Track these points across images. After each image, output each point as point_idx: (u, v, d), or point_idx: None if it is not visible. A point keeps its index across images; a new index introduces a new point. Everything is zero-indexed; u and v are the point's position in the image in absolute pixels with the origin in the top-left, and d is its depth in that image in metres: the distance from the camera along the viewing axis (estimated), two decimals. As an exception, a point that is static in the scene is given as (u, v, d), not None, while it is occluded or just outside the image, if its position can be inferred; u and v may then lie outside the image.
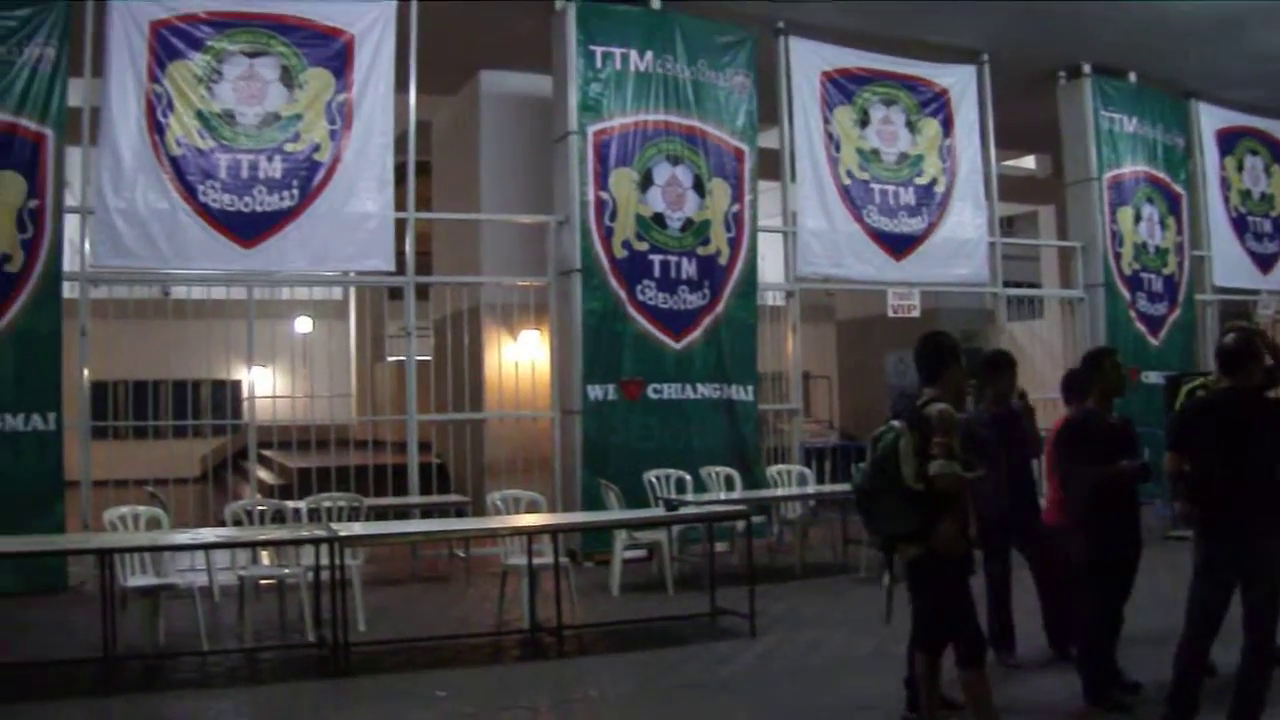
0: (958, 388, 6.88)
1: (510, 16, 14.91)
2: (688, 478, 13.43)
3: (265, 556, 11.26)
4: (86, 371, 13.03)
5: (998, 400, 8.92)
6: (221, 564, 11.45)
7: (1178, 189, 19.35)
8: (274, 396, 16.20)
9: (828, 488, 14.75)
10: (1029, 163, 26.28)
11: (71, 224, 13.17)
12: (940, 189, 16.88)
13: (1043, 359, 19.24)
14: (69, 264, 13.00)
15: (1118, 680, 7.67)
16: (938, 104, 17.04)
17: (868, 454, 6.83)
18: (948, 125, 17.09)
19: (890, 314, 16.56)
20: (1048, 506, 8.92)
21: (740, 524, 11.72)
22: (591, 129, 14.29)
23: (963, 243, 17.05)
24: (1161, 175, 19.13)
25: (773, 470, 14.45)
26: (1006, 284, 18.33)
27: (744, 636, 9.91)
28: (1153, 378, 17.52)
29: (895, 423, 6.65)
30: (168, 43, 13.06)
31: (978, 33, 17.04)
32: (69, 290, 12.95)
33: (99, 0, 12.90)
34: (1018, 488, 8.76)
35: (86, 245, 13.03)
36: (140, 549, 9.78)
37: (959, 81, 17.28)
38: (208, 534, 10.86)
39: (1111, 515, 7.68)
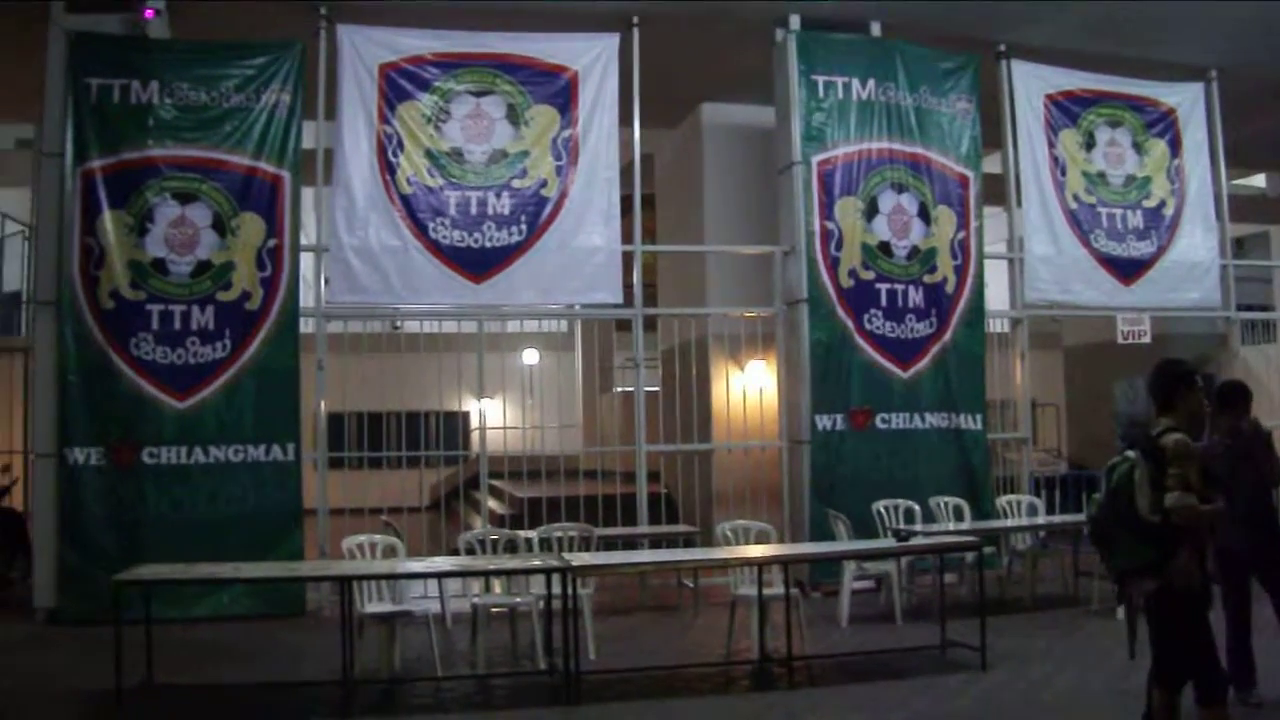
0: (1194, 416, 6.68)
1: (731, 49, 14.99)
2: (916, 508, 13.27)
3: (497, 585, 11.39)
4: (323, 404, 13.47)
5: (1231, 431, 8.63)
6: (454, 591, 11.68)
7: None
8: (503, 427, 16.42)
9: (1057, 518, 14.37)
10: (1259, 181, 25.46)
11: (306, 262, 13.56)
12: (1169, 211, 16.40)
13: (1277, 385, 18.58)
14: (304, 300, 13.38)
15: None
16: (1165, 124, 16.55)
17: (1102, 484, 6.68)
18: (1175, 145, 16.58)
19: (1120, 340, 16.14)
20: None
21: (969, 555, 11.52)
22: (815, 159, 14.27)
23: (1193, 266, 16.52)
24: (1403, 190, 18.37)
25: (1002, 500, 14.16)
26: (1239, 307, 17.73)
27: (974, 670, 9.71)
28: (1394, 402, 16.84)
29: (1130, 453, 6.49)
30: (397, 85, 13.48)
31: (1205, 49, 16.51)
32: (304, 325, 13.35)
33: (330, 46, 13.36)
34: (1257, 519, 8.45)
35: (322, 282, 13.44)
36: (380, 577, 10.00)
37: (1186, 100, 16.76)
38: (443, 562, 11.03)
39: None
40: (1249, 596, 8.54)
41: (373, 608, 9.86)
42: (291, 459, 12.91)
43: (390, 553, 10.57)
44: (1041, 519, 13.96)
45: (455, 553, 11.24)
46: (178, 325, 12.70)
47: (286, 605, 12.53)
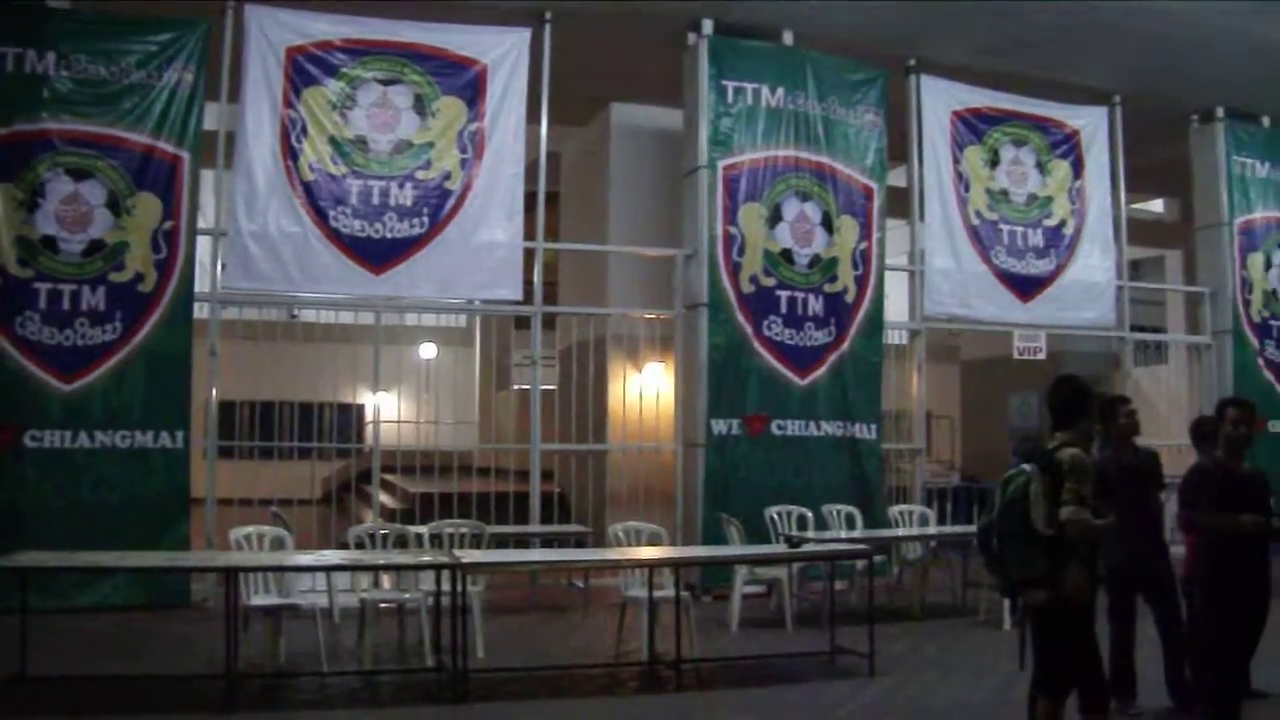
0: (1089, 433, 6.79)
1: (642, 50, 14.97)
2: (809, 515, 13.31)
3: (386, 580, 11.29)
4: (215, 391, 13.20)
5: (1120, 445, 8.77)
6: (342, 586, 11.54)
7: (1310, 236, 18.94)
8: (398, 421, 16.25)
9: (949, 528, 14.53)
10: (1157, 206, 25.89)
11: (203, 246, 13.30)
12: (1069, 231, 16.65)
13: (1167, 405, 18.88)
14: (200, 285, 13.13)
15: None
16: (1068, 145, 16.81)
17: (996, 497, 6.74)
18: (1078, 167, 16.85)
19: (1016, 356, 16.40)
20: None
21: (861, 563, 11.58)
22: (721, 163, 14.28)
23: (1090, 286, 16.80)
24: (1294, 221, 18.72)
25: (894, 510, 14.25)
26: (1132, 328, 18.02)
27: (862, 676, 9.77)
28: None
29: (1026, 466, 6.56)
30: (303, 69, 13.24)
31: (1110, 75, 16.86)
32: (199, 311, 13.08)
33: (236, 26, 13.11)
34: (1146, 535, 8.57)
35: (218, 267, 13.21)
36: (266, 569, 9.88)
37: (1090, 123, 17.04)
38: (331, 556, 10.89)
39: (1234, 568, 7.56)
40: (1134, 611, 8.68)
41: (258, 600, 9.72)
42: (180, 446, 12.61)
43: (278, 545, 10.41)
44: (933, 529, 14.04)
45: (344, 546, 11.10)
46: (67, 305, 12.35)
47: (171, 596, 12.28)
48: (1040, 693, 6.69)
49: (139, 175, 12.65)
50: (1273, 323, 18.28)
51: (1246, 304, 18.07)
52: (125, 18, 12.96)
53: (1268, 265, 18.29)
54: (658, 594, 10.14)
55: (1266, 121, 18.58)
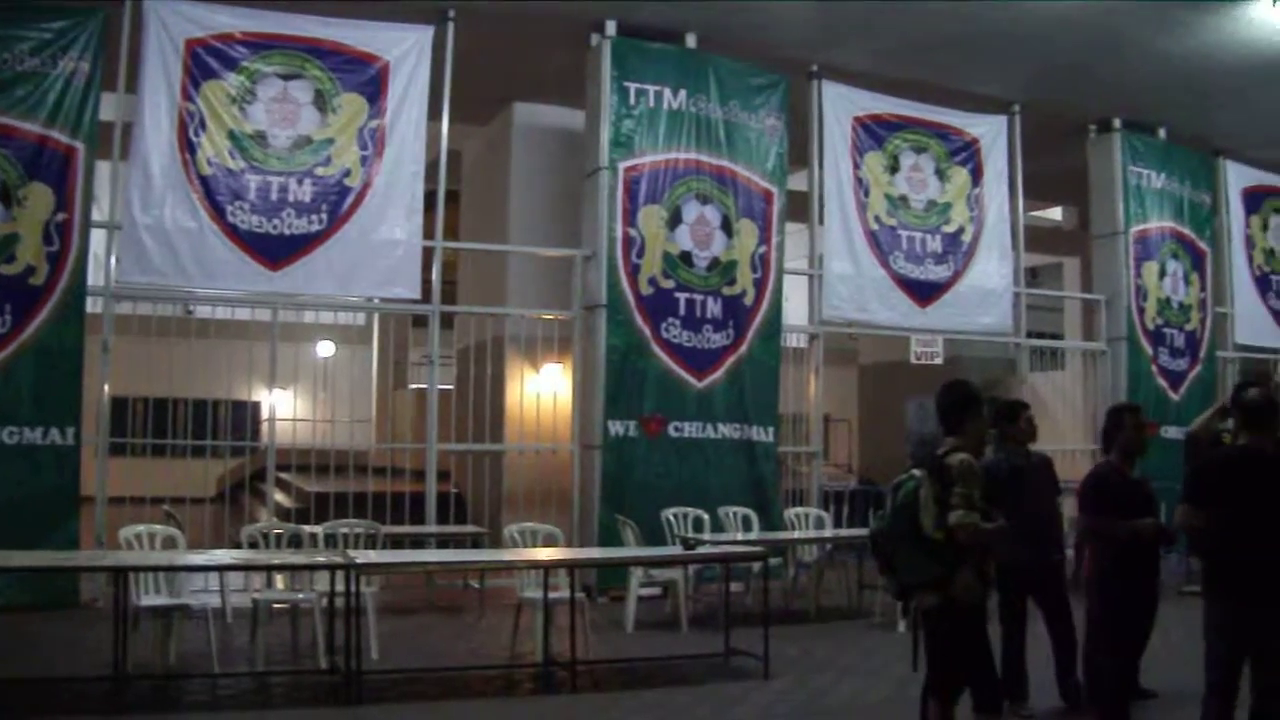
0: (980, 438, 6.88)
1: (545, 50, 15.00)
2: (705, 517, 13.35)
3: (280, 580, 11.19)
4: (107, 387, 13.02)
5: (1013, 449, 8.89)
6: (235, 586, 11.44)
7: (1202, 246, 19.32)
8: (294, 420, 16.14)
9: (845, 531, 14.71)
10: (1055, 214, 26.27)
11: (97, 239, 13.08)
12: (967, 238, 16.85)
13: (1063, 411, 19.16)
14: (93, 279, 12.92)
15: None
16: (968, 153, 17.01)
17: (887, 501, 6.82)
18: (977, 174, 17.06)
19: (913, 360, 16.53)
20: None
21: (756, 565, 11.65)
22: (622, 165, 14.30)
23: (987, 292, 17.01)
24: (1187, 232, 19.09)
25: (790, 512, 14.39)
26: (1029, 334, 18.27)
27: (757, 678, 9.82)
28: (1172, 433, 17.39)
29: (916, 471, 6.63)
30: (203, 62, 13.07)
31: (1010, 84, 17.08)
32: (92, 305, 12.90)
33: (135, 16, 12.91)
34: (1038, 538, 8.64)
35: (112, 260, 13.02)
36: (157, 569, 9.72)
37: (989, 131, 17.26)
38: (223, 555, 10.77)
39: (1129, 571, 7.68)
40: (1025, 613, 8.80)
41: (149, 600, 9.57)
42: (71, 443, 12.37)
43: (170, 544, 10.25)
44: (828, 532, 14.20)
45: (238, 546, 11.00)
46: (-48, 299, 12.13)
47: (59, 597, 12.05)
48: (932, 695, 6.77)
49: (31, 165, 12.38)
50: (1166, 330, 18.63)
51: (1141, 312, 18.36)
52: (19, 3, 12.66)
53: (1161, 274, 18.63)
54: (553, 595, 10.04)
55: (1163, 133, 18.92)
